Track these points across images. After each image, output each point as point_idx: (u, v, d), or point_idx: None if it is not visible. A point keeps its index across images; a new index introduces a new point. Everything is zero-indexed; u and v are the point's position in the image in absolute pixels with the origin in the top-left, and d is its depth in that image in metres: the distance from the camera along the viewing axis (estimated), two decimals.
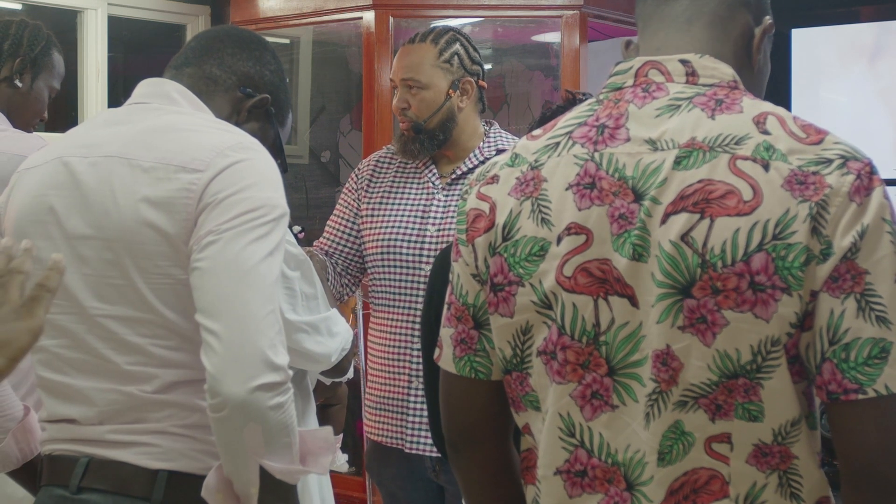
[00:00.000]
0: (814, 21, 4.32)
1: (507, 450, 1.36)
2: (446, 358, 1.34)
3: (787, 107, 4.24)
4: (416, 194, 2.47)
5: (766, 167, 1.12)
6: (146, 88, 1.62)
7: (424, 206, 2.44)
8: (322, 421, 2.12)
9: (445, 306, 1.35)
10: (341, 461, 1.54)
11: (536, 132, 1.30)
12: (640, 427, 1.17)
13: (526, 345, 1.25)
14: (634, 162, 1.18)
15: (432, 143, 2.44)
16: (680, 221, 1.13)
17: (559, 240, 1.20)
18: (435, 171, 2.48)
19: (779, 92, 4.25)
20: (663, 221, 1.14)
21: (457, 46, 2.45)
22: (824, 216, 1.09)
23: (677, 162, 1.15)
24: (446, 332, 1.34)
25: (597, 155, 1.20)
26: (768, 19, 1.29)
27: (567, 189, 1.21)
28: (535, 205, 1.23)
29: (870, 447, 1.09)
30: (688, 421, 1.15)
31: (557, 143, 1.25)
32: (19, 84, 2.47)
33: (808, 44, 4.32)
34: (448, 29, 2.50)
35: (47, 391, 1.55)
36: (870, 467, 1.10)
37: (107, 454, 1.48)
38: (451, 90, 2.42)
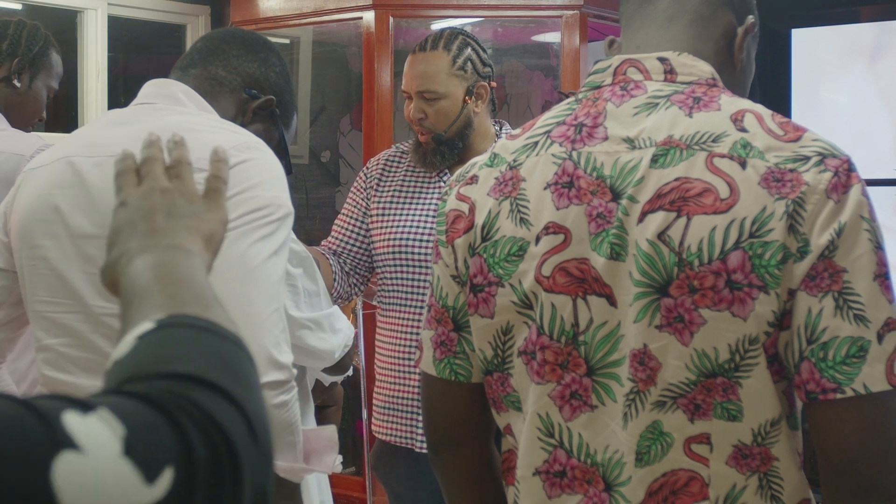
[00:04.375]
0: (814, 21, 4.32)
1: (488, 452, 1.35)
2: (426, 360, 1.33)
3: (787, 107, 4.24)
4: (428, 194, 2.46)
5: (743, 165, 1.11)
6: (152, 89, 1.62)
7: (436, 206, 2.42)
8: (319, 422, 2.13)
9: (426, 309, 1.35)
10: (336, 462, 1.56)
11: (515, 131, 1.30)
12: (619, 427, 1.17)
13: (507, 345, 1.25)
14: (612, 161, 1.17)
15: (452, 152, 2.43)
16: (657, 220, 1.12)
17: (538, 239, 1.20)
18: (448, 172, 2.48)
19: (779, 92, 4.25)
20: (640, 220, 1.13)
21: (469, 51, 2.43)
22: (801, 213, 1.08)
23: (654, 160, 1.14)
24: (426, 335, 1.33)
25: (575, 154, 1.20)
26: (751, 18, 1.28)
27: (545, 188, 1.20)
28: (514, 205, 1.22)
29: (849, 447, 1.08)
30: (666, 421, 1.14)
31: (536, 143, 1.24)
32: (18, 84, 2.48)
33: (808, 44, 4.31)
34: (457, 33, 2.48)
35: (52, 390, 1.55)
36: (850, 466, 1.09)
37: None
38: (467, 97, 2.41)
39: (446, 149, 2.42)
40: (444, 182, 2.45)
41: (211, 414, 0.68)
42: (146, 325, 0.77)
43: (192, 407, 0.68)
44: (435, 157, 2.43)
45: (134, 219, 0.93)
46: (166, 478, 0.64)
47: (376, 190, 2.52)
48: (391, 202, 2.48)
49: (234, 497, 0.67)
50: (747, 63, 1.30)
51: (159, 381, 0.70)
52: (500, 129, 2.54)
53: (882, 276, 1.09)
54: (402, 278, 2.43)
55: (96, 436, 0.63)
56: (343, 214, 2.57)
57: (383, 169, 2.54)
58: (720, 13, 1.26)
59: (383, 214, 2.48)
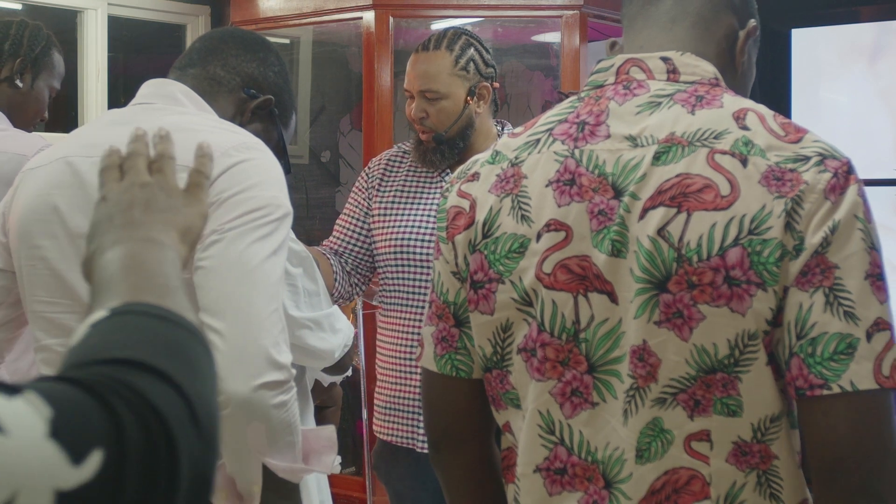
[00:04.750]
0: (814, 21, 4.32)
1: (488, 449, 1.35)
2: (427, 356, 1.33)
3: (787, 107, 4.24)
4: (430, 195, 2.47)
5: (744, 162, 1.11)
6: (150, 89, 1.62)
7: (438, 205, 2.43)
8: (318, 423, 2.12)
9: (427, 305, 1.35)
10: (335, 463, 1.57)
11: (517, 130, 1.31)
12: (619, 424, 1.17)
13: (506, 342, 1.25)
14: (614, 158, 1.17)
15: (453, 151, 2.43)
16: (657, 216, 1.13)
17: (539, 236, 1.20)
18: (448, 171, 2.48)
19: (779, 92, 4.25)
20: (641, 217, 1.14)
21: (472, 52, 2.43)
22: (798, 212, 1.09)
23: (656, 157, 1.15)
24: (427, 331, 1.34)
25: (577, 152, 1.20)
26: (753, 22, 1.29)
27: (547, 186, 1.21)
28: (515, 202, 1.23)
29: (840, 443, 1.08)
30: (667, 418, 1.15)
31: (538, 140, 1.25)
32: (20, 84, 2.48)
33: (808, 44, 4.32)
34: (461, 33, 2.48)
35: None
36: (840, 465, 1.08)
37: None
38: (468, 97, 2.41)
39: (446, 148, 2.42)
40: (446, 182, 2.45)
41: (146, 397, 0.68)
42: (100, 314, 0.77)
43: (126, 390, 0.68)
44: (435, 156, 2.43)
45: (112, 213, 0.94)
46: (95, 459, 0.64)
47: (378, 190, 2.52)
48: (393, 202, 2.49)
49: (170, 480, 0.67)
50: (748, 67, 1.31)
51: (98, 367, 0.70)
52: (502, 129, 2.54)
53: (874, 276, 1.09)
54: (403, 278, 2.43)
55: (20, 417, 0.63)
56: (344, 214, 2.58)
57: (385, 169, 2.55)
58: (722, 16, 1.27)
59: (385, 214, 2.48)
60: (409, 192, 2.49)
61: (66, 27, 4.18)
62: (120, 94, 4.41)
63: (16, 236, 1.55)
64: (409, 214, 2.45)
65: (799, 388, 1.10)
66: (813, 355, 1.08)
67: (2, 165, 2.29)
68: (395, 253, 2.43)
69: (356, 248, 2.53)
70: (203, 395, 0.72)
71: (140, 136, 1.04)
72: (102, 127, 1.59)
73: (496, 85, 2.49)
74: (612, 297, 1.16)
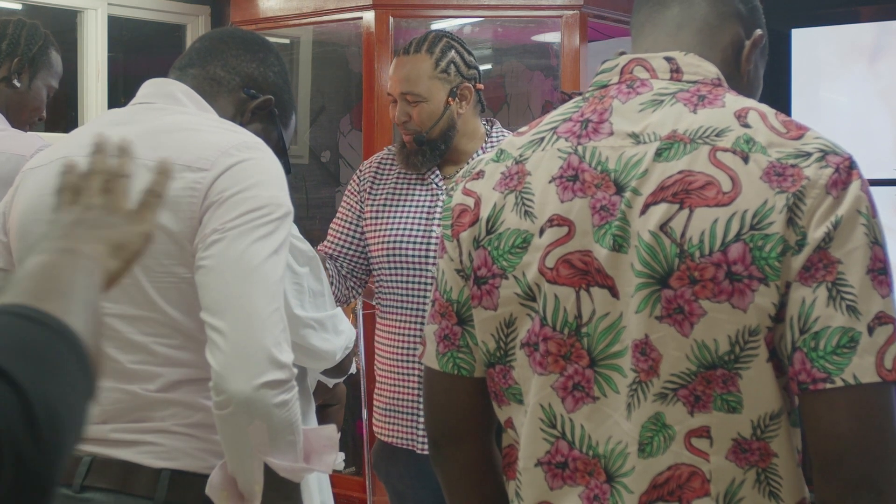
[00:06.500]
0: (814, 21, 4.32)
1: (488, 448, 1.36)
2: (429, 355, 1.34)
3: (787, 107, 4.25)
4: (420, 196, 2.48)
5: (745, 159, 1.12)
6: (151, 89, 1.62)
7: (429, 207, 2.44)
8: (321, 421, 2.12)
9: (430, 303, 1.36)
10: (338, 460, 1.57)
11: (522, 129, 1.32)
12: (622, 418, 1.18)
13: (510, 337, 1.26)
14: (617, 155, 1.19)
15: (434, 153, 2.45)
16: (659, 212, 1.14)
17: (542, 231, 1.21)
18: (438, 172, 2.49)
19: (779, 92, 4.25)
20: (643, 212, 1.15)
21: (452, 54, 2.46)
22: (800, 207, 1.10)
23: (658, 154, 1.16)
24: (430, 329, 1.34)
25: (580, 148, 1.22)
26: (759, 32, 1.31)
27: (550, 182, 1.22)
28: (519, 198, 1.24)
29: (841, 437, 1.09)
30: (668, 413, 1.15)
31: (542, 138, 1.26)
32: (18, 83, 2.48)
33: (808, 44, 4.32)
34: (441, 35, 2.50)
35: None
36: (841, 458, 1.09)
37: (110, 453, 1.49)
38: (450, 98, 2.43)
39: (428, 149, 2.44)
40: (436, 182, 2.47)
41: None
42: None
43: None
44: (416, 158, 2.46)
45: (51, 231, 0.97)
46: None
47: (370, 193, 2.53)
48: (384, 205, 2.50)
49: None
50: (754, 76, 1.33)
51: None
52: (492, 128, 2.55)
53: (876, 271, 1.09)
54: (397, 280, 2.44)
55: None
56: (338, 218, 2.59)
57: (376, 172, 2.56)
58: (728, 24, 1.28)
59: (377, 217, 2.49)
60: (399, 194, 2.50)
61: (65, 27, 4.18)
62: (120, 94, 4.41)
63: (16, 236, 1.55)
64: (400, 217, 2.46)
65: (802, 383, 1.10)
66: (816, 349, 1.09)
67: (1, 165, 2.29)
68: (387, 255, 2.44)
69: (351, 252, 2.54)
70: (50, 398, 0.71)
71: (100, 148, 1.06)
72: (102, 126, 1.59)
73: (480, 86, 2.51)
74: (613, 292, 1.17)
